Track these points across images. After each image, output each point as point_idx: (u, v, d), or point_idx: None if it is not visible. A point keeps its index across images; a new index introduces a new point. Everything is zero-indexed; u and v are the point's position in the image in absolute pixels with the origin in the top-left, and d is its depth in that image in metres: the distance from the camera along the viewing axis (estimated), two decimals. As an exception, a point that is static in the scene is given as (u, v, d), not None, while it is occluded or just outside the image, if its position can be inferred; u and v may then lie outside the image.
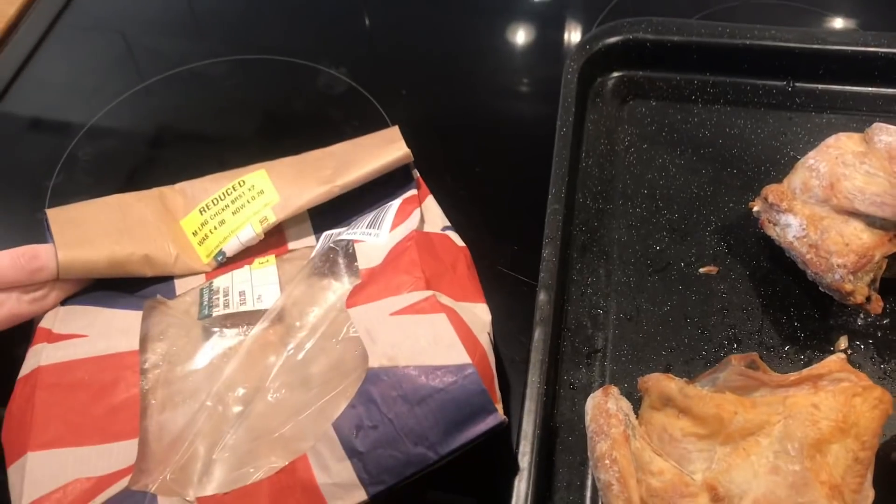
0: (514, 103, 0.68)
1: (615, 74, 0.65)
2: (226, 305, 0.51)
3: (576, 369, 0.52)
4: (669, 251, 0.56)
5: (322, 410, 0.46)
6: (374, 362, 0.43)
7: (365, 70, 0.71)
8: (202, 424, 0.47)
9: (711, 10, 0.72)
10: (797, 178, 0.53)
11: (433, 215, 0.55)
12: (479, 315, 0.48)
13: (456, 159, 0.63)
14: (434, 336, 0.43)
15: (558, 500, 0.47)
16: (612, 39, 0.63)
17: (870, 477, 0.43)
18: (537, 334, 0.49)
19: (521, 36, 0.73)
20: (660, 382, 0.46)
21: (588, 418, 0.46)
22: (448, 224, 0.55)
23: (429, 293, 0.46)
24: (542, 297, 0.51)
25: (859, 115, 0.62)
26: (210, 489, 0.44)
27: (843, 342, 0.52)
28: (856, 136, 0.53)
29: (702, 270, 0.55)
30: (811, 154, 0.53)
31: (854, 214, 0.50)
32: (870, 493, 0.42)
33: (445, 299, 0.46)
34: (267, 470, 0.44)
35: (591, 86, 0.64)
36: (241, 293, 0.52)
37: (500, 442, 0.48)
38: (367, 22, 0.75)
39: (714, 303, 0.54)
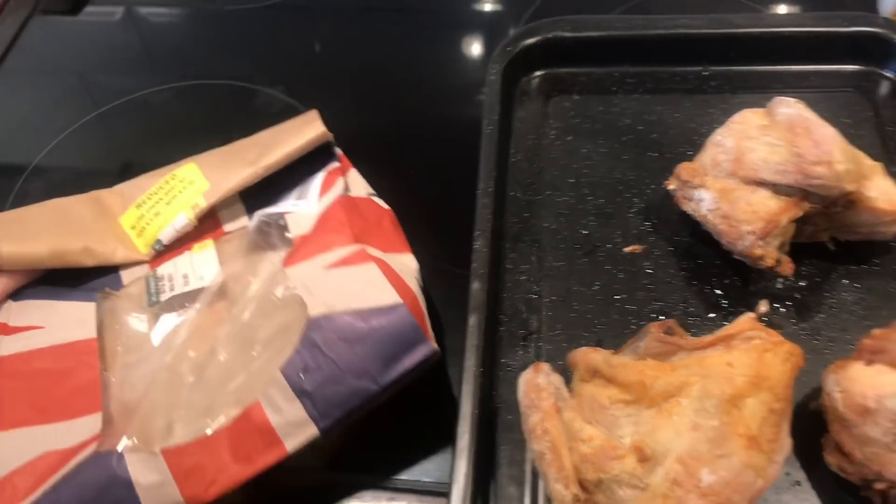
0: (450, 108, 0.71)
1: (538, 73, 0.68)
2: (171, 289, 0.55)
3: (513, 352, 0.54)
4: (597, 234, 0.59)
5: (270, 362, 0.49)
6: (313, 311, 0.48)
7: (301, 86, 0.73)
8: (160, 392, 0.50)
9: (633, 2, 0.75)
10: (707, 154, 0.56)
11: (357, 184, 0.58)
12: (407, 263, 0.53)
13: (394, 167, 0.65)
14: (366, 282, 0.48)
15: (501, 475, 0.49)
16: (532, 40, 0.66)
17: (786, 427, 0.45)
18: (472, 321, 0.52)
19: (454, 43, 0.76)
20: (586, 355, 0.49)
21: (520, 394, 0.48)
22: (373, 191, 0.58)
23: (358, 246, 0.51)
24: (475, 285, 0.53)
25: (770, 93, 0.64)
26: (172, 443, 0.47)
27: (763, 306, 0.54)
28: (760, 111, 0.56)
29: (627, 250, 0.58)
30: (719, 131, 0.56)
31: (761, 184, 0.52)
32: (787, 442, 0.45)
33: (374, 251, 0.51)
34: (224, 420, 0.48)
35: (517, 85, 0.67)
36: (185, 276, 0.55)
37: (443, 424, 0.50)
38: (301, 42, 0.78)
39: (640, 279, 0.56)
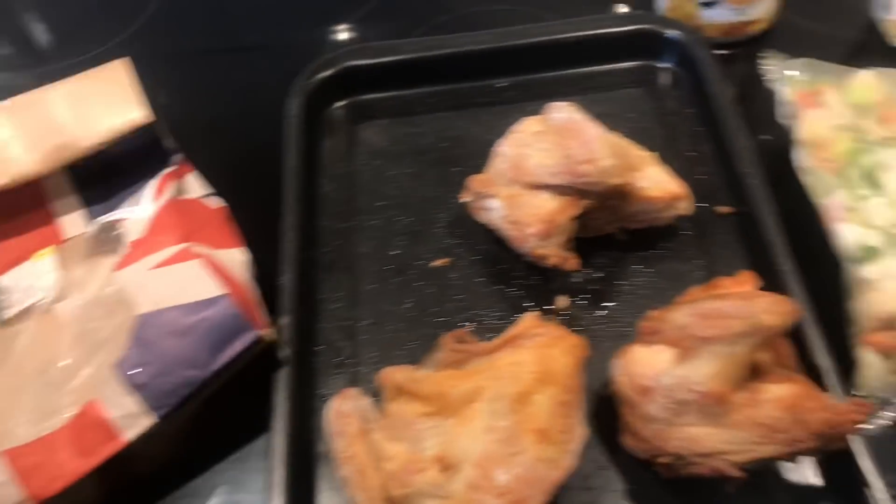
0: (264, 144, 0.71)
1: (341, 103, 0.69)
2: (17, 303, 0.56)
3: (330, 381, 0.55)
4: (406, 253, 0.61)
5: (106, 361, 0.51)
6: (141, 310, 0.51)
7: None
8: (2, 398, 0.51)
9: (433, 23, 0.78)
10: (493, 165, 0.58)
11: (193, 186, 0.59)
12: (236, 257, 0.56)
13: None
14: (190, 278, 0.51)
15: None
16: (328, 72, 0.68)
17: (578, 416, 0.47)
18: (282, 356, 0.52)
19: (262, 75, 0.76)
20: (389, 375, 0.50)
21: (328, 422, 0.49)
22: (209, 192, 0.59)
23: (183, 245, 0.53)
24: (284, 320, 0.54)
25: (562, 97, 0.66)
26: (14, 444, 0.49)
27: (562, 301, 0.57)
28: (537, 118, 0.58)
29: (434, 264, 0.60)
30: (501, 141, 0.58)
31: (541, 187, 0.55)
32: (580, 431, 0.47)
33: (201, 248, 0.54)
34: (65, 419, 0.50)
35: (321, 117, 0.68)
36: (26, 288, 0.56)
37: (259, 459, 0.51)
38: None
39: (449, 291, 0.58)
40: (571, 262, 0.54)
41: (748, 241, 0.57)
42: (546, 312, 0.57)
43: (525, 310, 0.57)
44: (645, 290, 0.57)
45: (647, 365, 0.47)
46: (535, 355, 0.48)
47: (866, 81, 0.57)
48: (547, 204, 0.54)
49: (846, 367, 0.50)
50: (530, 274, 0.58)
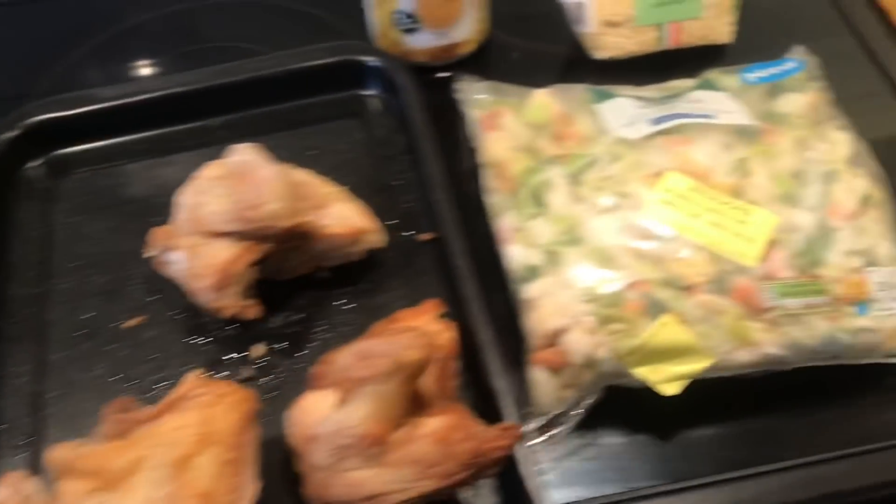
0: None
1: (37, 160, 0.66)
2: None
3: (12, 463, 0.51)
4: (99, 315, 0.57)
5: None
6: None
7: None
8: None
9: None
10: (175, 215, 0.56)
11: None
12: None
13: None
14: None
15: None
16: (16, 131, 0.64)
17: (247, 473, 0.46)
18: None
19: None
20: (53, 454, 0.47)
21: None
22: None
23: None
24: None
25: (274, 133, 0.67)
26: None
27: (258, 349, 0.55)
28: (218, 162, 0.56)
29: (128, 325, 0.57)
30: (181, 190, 0.56)
31: (219, 235, 0.53)
32: (249, 489, 0.45)
33: None
34: None
35: (14, 176, 0.64)
36: None
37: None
38: None
39: (144, 352, 0.56)
40: (252, 310, 0.53)
41: (442, 267, 0.57)
42: (244, 362, 0.55)
43: (221, 363, 0.55)
44: (347, 328, 0.56)
45: (312, 412, 0.46)
46: (198, 416, 0.46)
47: (541, 100, 0.58)
48: (222, 253, 0.52)
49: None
50: (227, 324, 0.56)
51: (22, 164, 0.65)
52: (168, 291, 0.58)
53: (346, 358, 0.46)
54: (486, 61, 0.73)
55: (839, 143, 0.56)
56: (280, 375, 0.54)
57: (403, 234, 0.60)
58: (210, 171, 0.56)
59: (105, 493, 0.45)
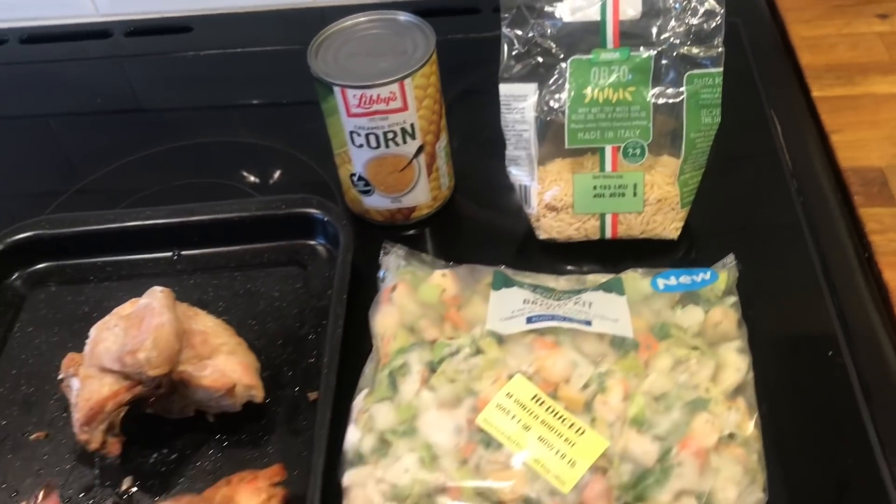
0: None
1: (18, 273, 0.73)
2: None
3: None
4: (14, 424, 0.63)
5: None
6: None
7: None
8: None
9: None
10: (86, 344, 0.61)
11: None
12: None
13: None
14: None
15: None
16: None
17: None
18: None
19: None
20: None
21: None
22: None
23: None
24: None
25: (227, 271, 0.72)
26: None
27: (126, 483, 0.58)
28: (133, 300, 0.61)
29: (33, 437, 0.62)
30: (98, 322, 0.61)
31: (107, 371, 0.58)
32: None
33: None
34: None
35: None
36: None
37: None
38: None
39: (35, 466, 0.60)
40: (114, 447, 0.56)
41: (310, 431, 0.58)
42: (114, 493, 0.58)
43: (92, 489, 0.58)
44: (210, 477, 0.58)
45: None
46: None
47: (436, 281, 0.59)
48: (103, 389, 0.57)
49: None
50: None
51: (8, 276, 0.73)
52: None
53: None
54: (444, 224, 0.75)
55: (727, 368, 0.53)
56: (138, 511, 0.57)
57: (296, 390, 0.62)
58: (122, 310, 0.61)
59: None
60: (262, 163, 0.84)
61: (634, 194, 0.66)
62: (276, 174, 0.83)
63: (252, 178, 0.83)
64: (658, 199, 0.66)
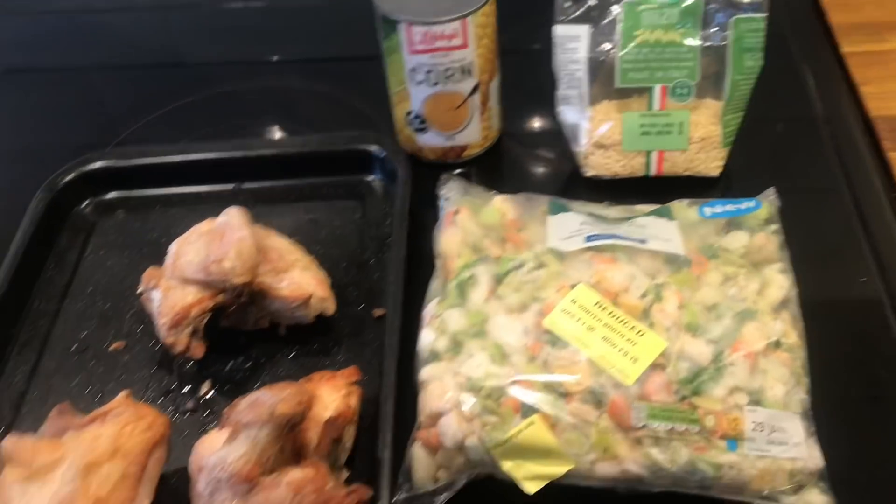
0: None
1: (88, 201, 0.77)
2: None
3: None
4: (92, 336, 0.67)
5: None
6: None
7: None
8: None
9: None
10: (166, 259, 0.65)
11: None
12: None
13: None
14: None
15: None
16: (74, 174, 0.76)
17: (145, 489, 0.52)
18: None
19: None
20: (3, 443, 0.55)
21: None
22: None
23: None
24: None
25: (287, 203, 0.75)
26: None
27: (205, 386, 0.62)
28: (210, 219, 0.65)
29: (113, 347, 0.66)
30: (177, 239, 0.65)
31: (189, 282, 0.61)
32: (143, 502, 0.52)
33: None
34: None
35: (67, 212, 0.76)
36: None
37: None
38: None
39: (116, 372, 0.64)
40: (197, 350, 0.60)
41: (381, 341, 0.62)
42: (192, 396, 0.62)
43: (171, 392, 0.62)
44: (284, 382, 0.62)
45: (207, 446, 0.52)
46: (113, 430, 0.53)
47: (497, 206, 0.63)
48: (186, 297, 0.60)
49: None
50: (188, 361, 0.64)
51: (80, 203, 0.77)
52: (149, 324, 0.66)
53: (243, 403, 0.52)
54: (493, 164, 0.79)
55: (772, 285, 0.57)
56: (215, 413, 0.61)
57: (360, 307, 0.66)
58: (201, 227, 0.65)
59: (28, 483, 0.53)
60: (313, 109, 0.88)
61: (680, 132, 0.70)
62: (328, 118, 0.87)
63: (302, 125, 0.86)
64: (702, 137, 0.70)
